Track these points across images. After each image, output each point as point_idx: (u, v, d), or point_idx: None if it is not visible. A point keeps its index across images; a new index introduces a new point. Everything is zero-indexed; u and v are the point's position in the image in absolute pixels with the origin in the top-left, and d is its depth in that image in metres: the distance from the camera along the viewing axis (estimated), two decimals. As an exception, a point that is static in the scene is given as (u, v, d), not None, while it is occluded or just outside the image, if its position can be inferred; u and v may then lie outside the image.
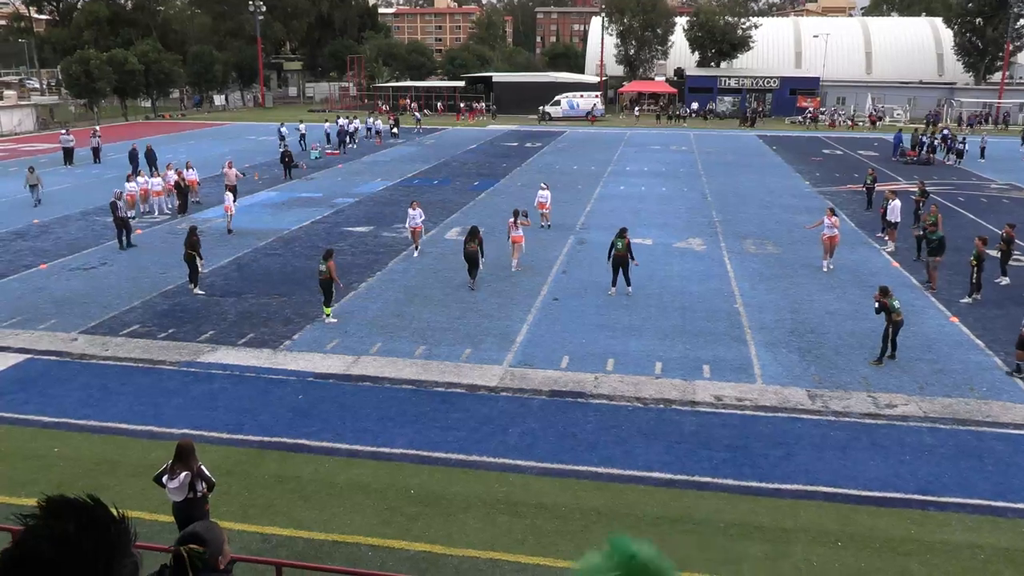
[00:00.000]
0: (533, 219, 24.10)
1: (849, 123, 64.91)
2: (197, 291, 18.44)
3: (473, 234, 18.97)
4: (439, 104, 77.03)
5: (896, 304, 14.49)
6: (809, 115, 66.56)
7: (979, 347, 15.57)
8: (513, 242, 20.56)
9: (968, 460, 11.21)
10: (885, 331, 14.63)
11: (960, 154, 42.94)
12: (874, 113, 66.33)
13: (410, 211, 22.05)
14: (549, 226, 25.29)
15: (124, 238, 22.81)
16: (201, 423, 12.17)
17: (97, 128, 45.03)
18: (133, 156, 34.35)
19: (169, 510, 8.55)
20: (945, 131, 46.04)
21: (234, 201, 25.19)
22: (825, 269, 20.81)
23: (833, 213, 21.24)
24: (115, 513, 1.50)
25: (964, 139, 44.49)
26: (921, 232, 21.13)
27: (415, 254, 21.99)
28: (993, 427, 12.20)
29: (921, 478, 10.70)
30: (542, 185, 26.48)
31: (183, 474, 8.11)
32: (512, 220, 20.61)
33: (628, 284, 18.46)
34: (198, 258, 18.35)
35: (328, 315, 16.64)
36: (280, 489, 10.43)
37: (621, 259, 18.16)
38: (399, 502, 10.11)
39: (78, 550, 1.38)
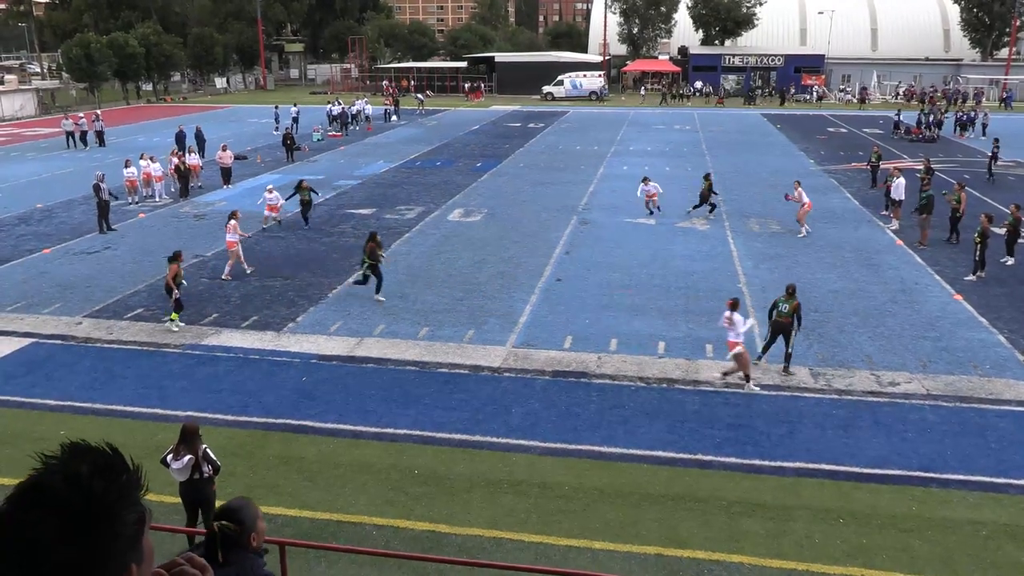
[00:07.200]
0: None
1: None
2: (379, 297, 16.83)
3: None
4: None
5: (784, 308, 13.15)
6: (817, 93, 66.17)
7: (983, 325, 15.53)
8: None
9: (970, 437, 11.23)
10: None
11: (940, 125, 44.13)
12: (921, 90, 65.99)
13: (266, 195, 22.35)
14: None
15: (105, 222, 22.83)
16: (206, 405, 12.24)
17: (99, 112, 44.92)
18: (180, 137, 34.14)
19: (176, 491, 8.62)
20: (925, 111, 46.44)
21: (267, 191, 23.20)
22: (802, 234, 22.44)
23: (799, 185, 23.49)
24: (130, 464, 1.58)
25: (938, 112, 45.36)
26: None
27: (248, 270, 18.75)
28: (996, 404, 12.21)
29: (923, 455, 10.72)
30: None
31: (187, 457, 8.19)
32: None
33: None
34: (371, 264, 16.78)
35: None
36: (285, 470, 10.50)
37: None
38: (403, 482, 10.17)
39: (88, 490, 1.48)
